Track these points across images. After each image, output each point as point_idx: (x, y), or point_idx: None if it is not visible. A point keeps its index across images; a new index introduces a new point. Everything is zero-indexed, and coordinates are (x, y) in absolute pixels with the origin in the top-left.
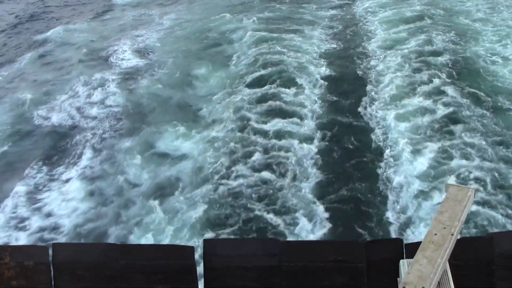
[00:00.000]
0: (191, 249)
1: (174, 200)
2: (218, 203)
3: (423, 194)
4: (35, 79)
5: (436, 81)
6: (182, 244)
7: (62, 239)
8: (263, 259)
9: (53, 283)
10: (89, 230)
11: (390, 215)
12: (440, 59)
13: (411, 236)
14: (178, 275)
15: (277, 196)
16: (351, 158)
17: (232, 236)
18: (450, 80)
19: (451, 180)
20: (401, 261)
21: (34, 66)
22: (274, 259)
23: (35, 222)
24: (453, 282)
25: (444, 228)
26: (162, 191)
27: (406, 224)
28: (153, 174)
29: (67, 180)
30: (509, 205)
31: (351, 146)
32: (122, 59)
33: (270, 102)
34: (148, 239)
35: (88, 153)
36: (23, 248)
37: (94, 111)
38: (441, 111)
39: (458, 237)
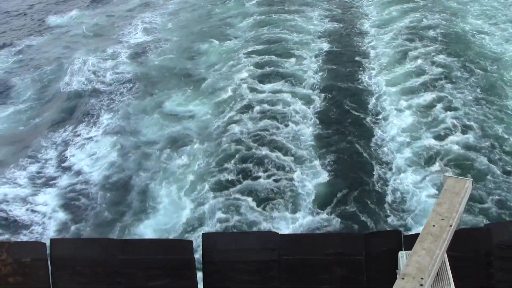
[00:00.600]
0: (190, 244)
1: (185, 152)
2: (222, 152)
3: (411, 145)
4: (53, 55)
5: (426, 49)
6: (181, 236)
7: (92, 188)
8: (262, 252)
9: (51, 279)
10: (115, 180)
11: (382, 165)
12: (431, 32)
13: (397, 183)
14: (177, 270)
15: (278, 144)
16: (348, 116)
17: (236, 184)
18: (440, 48)
19: (440, 128)
20: (399, 252)
21: (51, 45)
22: (273, 253)
23: (65, 179)
24: (452, 273)
25: (442, 219)
26: (175, 144)
27: (395, 172)
28: (166, 131)
29: (91, 138)
30: (492, 151)
31: (348, 107)
32: (132, 37)
33: (272, 69)
34: (165, 187)
35: (107, 114)
36: (21, 244)
37: (109, 78)
38: (430, 74)
39: (457, 228)
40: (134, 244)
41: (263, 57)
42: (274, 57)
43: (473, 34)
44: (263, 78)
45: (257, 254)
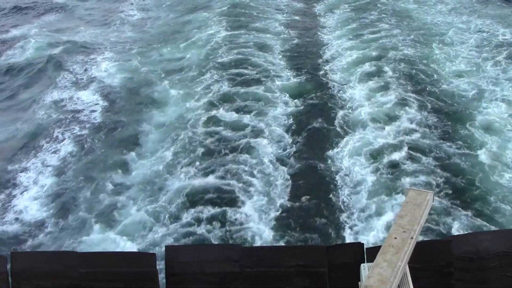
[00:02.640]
0: (153, 256)
1: (178, 75)
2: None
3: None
4: (67, 29)
5: (373, 18)
6: (141, 250)
7: (115, 90)
8: (224, 264)
9: None
10: (132, 87)
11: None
12: (378, 9)
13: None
14: (139, 282)
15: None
16: (307, 59)
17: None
18: (385, 18)
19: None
20: (362, 265)
21: (60, 22)
22: (235, 265)
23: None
24: (413, 285)
25: (404, 231)
26: (170, 73)
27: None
28: (163, 65)
29: (101, 61)
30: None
31: (307, 53)
32: (130, 14)
33: (244, 26)
34: (167, 90)
35: (112, 54)
36: None
37: (114, 37)
38: (376, 32)
39: (418, 240)
40: (95, 257)
41: (236, 19)
42: (243, 19)
43: (414, 10)
44: (237, 33)
45: (219, 266)
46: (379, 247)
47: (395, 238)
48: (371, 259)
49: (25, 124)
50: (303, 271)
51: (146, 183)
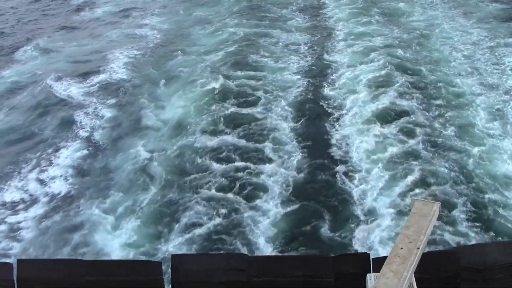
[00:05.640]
0: (159, 265)
1: (208, 24)
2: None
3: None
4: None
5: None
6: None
7: (149, 44)
8: (231, 274)
9: None
10: (174, 32)
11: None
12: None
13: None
14: None
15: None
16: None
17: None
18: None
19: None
20: (368, 275)
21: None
22: (242, 274)
23: (135, 41)
24: None
25: (410, 242)
26: (201, 22)
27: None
28: (195, 18)
29: (141, 27)
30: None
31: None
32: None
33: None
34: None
35: (153, 21)
36: None
37: (152, 19)
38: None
39: (424, 250)
40: (101, 264)
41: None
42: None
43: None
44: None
45: (226, 275)
46: (385, 257)
47: (401, 248)
48: (377, 269)
49: (96, 41)
50: (309, 281)
51: (187, 65)
